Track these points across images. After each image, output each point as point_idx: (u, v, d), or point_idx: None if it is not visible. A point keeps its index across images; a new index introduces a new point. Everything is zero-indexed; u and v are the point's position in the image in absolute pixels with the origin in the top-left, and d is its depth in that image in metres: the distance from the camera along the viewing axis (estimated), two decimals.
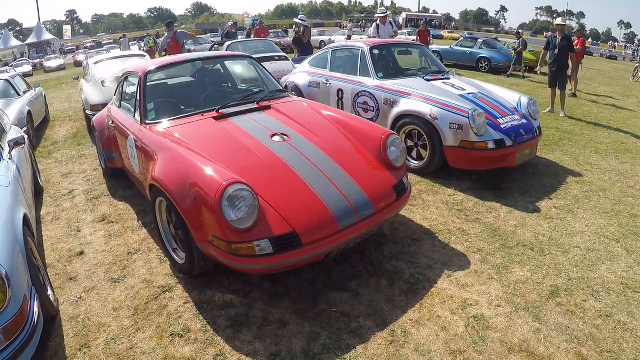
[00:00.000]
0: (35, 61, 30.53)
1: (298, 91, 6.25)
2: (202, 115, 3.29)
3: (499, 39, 17.71)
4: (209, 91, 4.02)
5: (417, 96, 4.50)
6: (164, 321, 2.58)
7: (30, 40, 42.24)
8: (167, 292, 2.83)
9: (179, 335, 2.46)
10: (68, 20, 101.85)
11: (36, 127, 7.38)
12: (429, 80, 4.94)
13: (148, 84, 3.62)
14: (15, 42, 43.14)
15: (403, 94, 4.65)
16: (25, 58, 32.32)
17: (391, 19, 9.08)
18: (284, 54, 9.16)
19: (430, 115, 4.22)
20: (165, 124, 3.25)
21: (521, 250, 3.18)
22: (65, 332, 2.57)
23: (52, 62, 27.92)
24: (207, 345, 2.36)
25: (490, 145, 4.02)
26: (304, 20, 9.01)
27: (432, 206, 3.88)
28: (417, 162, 4.55)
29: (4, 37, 42.93)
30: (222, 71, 4.50)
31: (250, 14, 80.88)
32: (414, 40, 13.13)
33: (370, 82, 5.12)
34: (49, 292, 2.78)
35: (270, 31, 19.54)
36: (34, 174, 4.40)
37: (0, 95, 7.04)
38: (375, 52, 5.32)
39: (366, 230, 2.63)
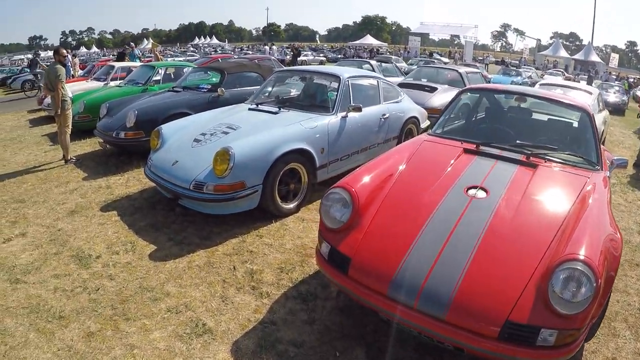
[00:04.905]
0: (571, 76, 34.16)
1: None
2: (462, 143, 3.79)
3: None
4: (512, 127, 4.29)
5: None
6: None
7: (576, 56, 48.80)
8: None
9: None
10: (628, 50, 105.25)
11: None
12: None
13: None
14: (563, 54, 51.74)
15: None
16: (561, 70, 38.56)
17: None
18: None
19: None
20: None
21: None
22: (266, 228, 4.42)
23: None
24: None
25: None
26: None
27: None
28: None
29: (554, 46, 53.41)
30: (546, 116, 4.63)
31: None
32: None
33: None
34: (293, 203, 4.81)
35: None
36: (399, 141, 6.44)
37: (448, 82, 10.23)
38: None
39: (422, 329, 2.44)
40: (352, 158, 5.54)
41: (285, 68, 8.43)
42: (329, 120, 5.12)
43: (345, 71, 6.03)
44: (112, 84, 10.49)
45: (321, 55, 43.85)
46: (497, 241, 2.61)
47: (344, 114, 5.31)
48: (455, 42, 75.27)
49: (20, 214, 4.98)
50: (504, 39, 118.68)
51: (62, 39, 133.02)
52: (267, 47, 39.64)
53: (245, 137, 4.46)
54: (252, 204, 4.35)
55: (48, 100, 9.15)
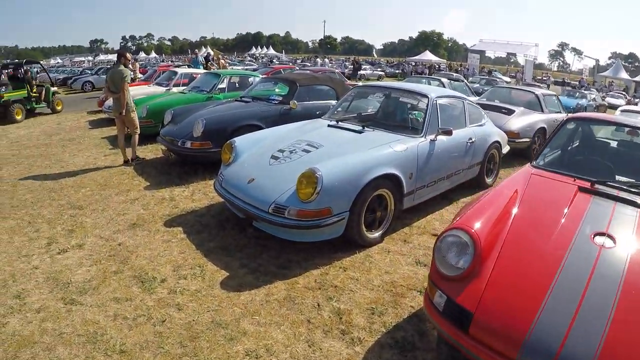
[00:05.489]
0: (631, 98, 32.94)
1: None
2: (575, 180, 3.44)
3: None
4: (624, 163, 3.98)
5: None
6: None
7: (637, 78, 48.40)
8: None
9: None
10: None
11: None
12: None
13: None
14: (623, 75, 50.50)
15: None
16: (623, 92, 36.91)
17: None
18: None
19: None
20: None
21: None
22: (350, 259, 4.02)
23: None
24: None
25: None
26: None
27: None
28: None
29: (615, 67, 52.31)
30: None
31: None
32: None
33: None
34: (378, 232, 4.41)
35: None
36: (482, 167, 6.15)
37: (525, 105, 9.52)
38: None
39: None
40: (438, 185, 5.15)
41: (369, 83, 8.07)
42: (419, 143, 4.71)
43: (432, 90, 5.63)
44: (175, 90, 10.48)
45: (379, 69, 43.46)
46: (634, 301, 2.30)
47: (432, 136, 4.90)
48: (512, 60, 74.04)
49: (78, 222, 4.80)
50: (561, 59, 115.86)
51: (122, 44, 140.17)
52: (319, 60, 39.82)
53: (330, 158, 4.09)
54: (336, 232, 3.96)
55: (109, 102, 9.21)
